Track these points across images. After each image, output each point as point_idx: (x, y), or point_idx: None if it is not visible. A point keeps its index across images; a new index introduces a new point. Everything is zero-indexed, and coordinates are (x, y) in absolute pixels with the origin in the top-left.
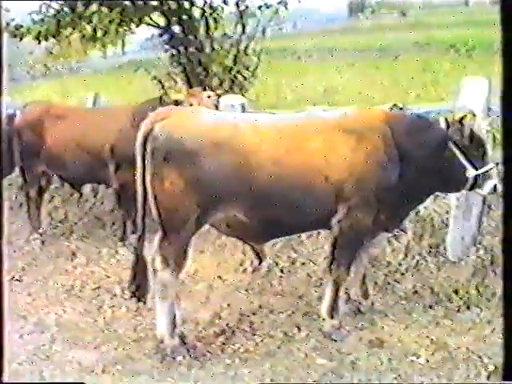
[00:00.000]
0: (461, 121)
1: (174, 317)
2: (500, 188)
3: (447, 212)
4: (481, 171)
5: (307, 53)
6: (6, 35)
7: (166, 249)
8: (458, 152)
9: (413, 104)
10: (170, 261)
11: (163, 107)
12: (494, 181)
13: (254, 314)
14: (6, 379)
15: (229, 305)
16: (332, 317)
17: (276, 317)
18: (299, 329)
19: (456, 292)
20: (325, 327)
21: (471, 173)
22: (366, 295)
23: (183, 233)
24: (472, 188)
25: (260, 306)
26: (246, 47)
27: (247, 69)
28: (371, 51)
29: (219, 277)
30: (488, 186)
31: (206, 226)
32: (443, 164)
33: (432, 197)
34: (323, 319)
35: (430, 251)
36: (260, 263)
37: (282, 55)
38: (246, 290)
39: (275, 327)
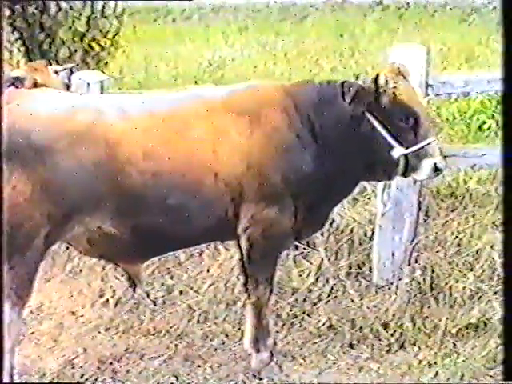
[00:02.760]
0: (375, 81)
1: (14, 366)
2: (444, 170)
3: (371, 221)
4: (412, 149)
5: (185, 14)
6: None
7: (6, 276)
8: (377, 124)
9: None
10: (10, 292)
11: None
12: (433, 159)
13: (118, 360)
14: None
15: (85, 349)
16: (258, 350)
17: (147, 363)
18: (177, 379)
19: (385, 326)
20: (252, 365)
21: (397, 151)
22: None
23: (28, 255)
24: (405, 173)
25: (126, 350)
26: (104, 7)
27: (105, 35)
28: (270, 11)
29: (72, 312)
30: (425, 167)
31: (54, 246)
32: (363, 142)
33: (350, 202)
34: (249, 354)
35: (349, 273)
36: (134, 290)
37: (151, 17)
38: (108, 330)
39: (146, 377)
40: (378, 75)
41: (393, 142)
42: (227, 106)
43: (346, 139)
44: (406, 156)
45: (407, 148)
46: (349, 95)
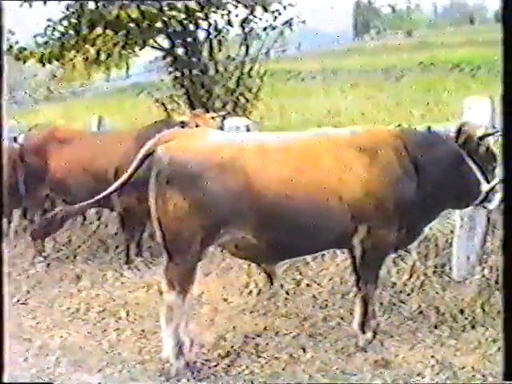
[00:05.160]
0: (482, 137)
1: (180, 339)
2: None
3: (451, 232)
4: (492, 184)
5: (311, 74)
6: (8, 58)
7: (172, 271)
8: (474, 167)
9: (417, 124)
10: (176, 283)
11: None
12: (499, 193)
13: (259, 336)
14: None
15: (234, 327)
16: (364, 332)
17: (281, 339)
18: (304, 350)
19: (461, 311)
20: (359, 342)
21: (485, 187)
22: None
23: (188, 255)
24: (481, 203)
25: (265, 328)
26: (250, 69)
27: (250, 91)
28: (375, 72)
29: (224, 299)
30: (496, 199)
31: (211, 248)
32: (459, 179)
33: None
34: (356, 335)
35: (435, 271)
36: (271, 284)
37: (285, 77)
38: (251, 312)
39: (280, 349)
40: (482, 132)
41: (482, 180)
42: (351, 143)
43: (444, 175)
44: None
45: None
46: (462, 137)
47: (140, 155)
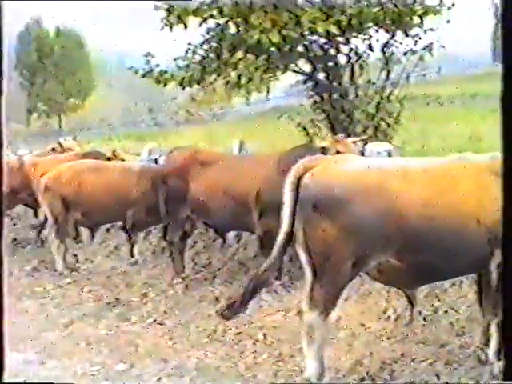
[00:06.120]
0: None
1: (322, 360)
2: None
3: None
4: None
5: (450, 99)
6: (149, 80)
7: (318, 291)
8: None
9: None
10: (319, 303)
11: (310, 155)
12: None
13: (395, 362)
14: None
15: (371, 353)
16: (499, 359)
17: (417, 365)
18: (438, 377)
19: None
20: (494, 370)
21: None
22: (488, 343)
23: (337, 278)
24: None
25: (402, 355)
26: (390, 94)
27: (390, 115)
28: None
29: (362, 324)
30: None
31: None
32: None
33: None
34: (491, 363)
35: None
36: (412, 308)
37: (424, 101)
38: (389, 338)
39: (416, 376)
40: None
41: None
42: (490, 168)
43: None
44: None
45: None
46: None
47: (290, 186)
